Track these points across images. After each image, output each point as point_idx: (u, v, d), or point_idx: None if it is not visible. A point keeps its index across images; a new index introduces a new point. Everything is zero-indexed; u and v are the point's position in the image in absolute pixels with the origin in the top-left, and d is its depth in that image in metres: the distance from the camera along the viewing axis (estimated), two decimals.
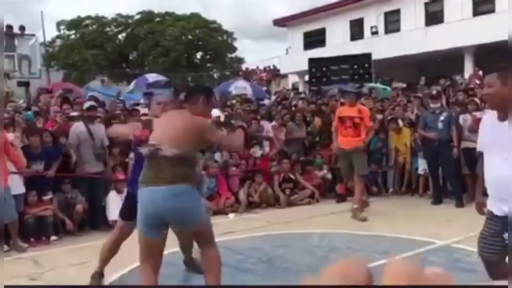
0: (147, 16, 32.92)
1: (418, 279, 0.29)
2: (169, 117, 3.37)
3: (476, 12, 19.50)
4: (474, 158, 7.69)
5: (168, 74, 20.03)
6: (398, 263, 0.30)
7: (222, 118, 8.87)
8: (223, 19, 55.17)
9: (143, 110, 8.96)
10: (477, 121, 7.50)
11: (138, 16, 33.09)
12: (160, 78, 13.55)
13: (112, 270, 4.43)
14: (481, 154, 2.89)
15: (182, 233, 3.77)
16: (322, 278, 0.31)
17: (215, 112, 9.11)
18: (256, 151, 8.51)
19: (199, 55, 34.62)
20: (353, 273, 0.30)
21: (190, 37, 32.50)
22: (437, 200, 7.72)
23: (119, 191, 6.69)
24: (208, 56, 34.47)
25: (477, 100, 7.98)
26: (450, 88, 10.01)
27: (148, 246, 3.20)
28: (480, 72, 15.18)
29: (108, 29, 33.01)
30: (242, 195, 7.93)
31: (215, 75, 33.71)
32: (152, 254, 3.22)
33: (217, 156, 8.10)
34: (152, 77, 13.35)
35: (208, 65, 34.59)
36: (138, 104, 9.65)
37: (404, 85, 14.28)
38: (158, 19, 32.93)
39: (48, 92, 9.33)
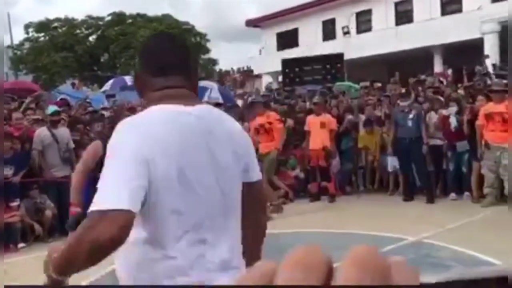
0: (118, 18, 32.48)
1: (383, 268, 0.28)
2: None
3: (444, 12, 19.93)
4: (439, 156, 7.87)
5: None
6: (361, 250, 0.28)
7: None
8: (195, 21, 55.00)
9: (108, 113, 8.82)
10: (443, 119, 7.68)
11: (109, 18, 32.64)
12: None
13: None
14: None
15: None
16: (282, 269, 0.28)
17: None
18: None
19: None
20: (314, 263, 0.28)
21: None
22: (409, 197, 7.84)
23: None
24: None
25: (441, 98, 8.15)
26: (417, 86, 10.22)
27: None
28: (449, 71, 15.53)
29: (78, 31, 32.45)
30: None
31: None
32: None
33: None
34: (130, 79, 13.13)
35: None
36: (105, 108, 9.50)
37: (367, 83, 14.53)
38: (129, 20, 32.53)
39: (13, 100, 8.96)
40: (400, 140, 7.83)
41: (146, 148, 1.28)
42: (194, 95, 1.48)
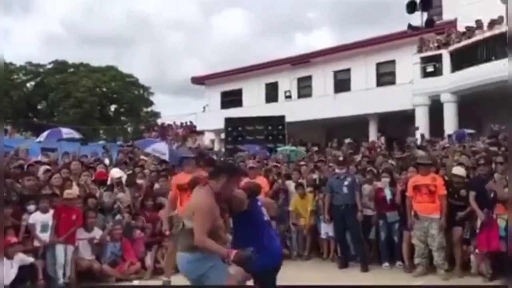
0: (60, 66, 31.92)
1: None
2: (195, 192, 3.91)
3: (379, 83, 21.12)
4: (369, 226, 8.05)
5: (80, 127, 19.34)
6: None
7: (123, 179, 8.38)
8: (139, 73, 54.95)
9: (42, 168, 8.41)
10: (377, 191, 7.92)
11: (50, 66, 31.98)
12: (75, 134, 12.95)
13: None
14: None
15: None
16: None
17: (115, 173, 8.63)
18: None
19: (113, 107, 33.91)
20: None
21: (104, 89, 31.87)
22: (343, 264, 7.88)
23: (9, 257, 6.12)
24: (122, 109, 33.85)
25: (374, 170, 8.44)
26: (352, 153, 10.64)
27: None
28: (382, 139, 16.26)
29: (15, 76, 31.44)
30: (148, 260, 7.57)
31: (129, 129, 33.03)
32: None
33: (119, 217, 7.72)
34: (66, 132, 12.71)
35: (122, 118, 33.91)
36: (38, 162, 9.09)
37: (303, 148, 15.04)
38: (71, 69, 32.03)
39: None
40: (335, 207, 7.95)
41: None
42: None
